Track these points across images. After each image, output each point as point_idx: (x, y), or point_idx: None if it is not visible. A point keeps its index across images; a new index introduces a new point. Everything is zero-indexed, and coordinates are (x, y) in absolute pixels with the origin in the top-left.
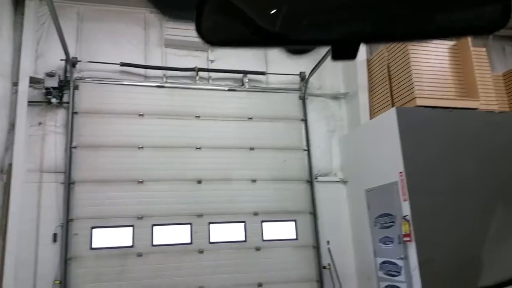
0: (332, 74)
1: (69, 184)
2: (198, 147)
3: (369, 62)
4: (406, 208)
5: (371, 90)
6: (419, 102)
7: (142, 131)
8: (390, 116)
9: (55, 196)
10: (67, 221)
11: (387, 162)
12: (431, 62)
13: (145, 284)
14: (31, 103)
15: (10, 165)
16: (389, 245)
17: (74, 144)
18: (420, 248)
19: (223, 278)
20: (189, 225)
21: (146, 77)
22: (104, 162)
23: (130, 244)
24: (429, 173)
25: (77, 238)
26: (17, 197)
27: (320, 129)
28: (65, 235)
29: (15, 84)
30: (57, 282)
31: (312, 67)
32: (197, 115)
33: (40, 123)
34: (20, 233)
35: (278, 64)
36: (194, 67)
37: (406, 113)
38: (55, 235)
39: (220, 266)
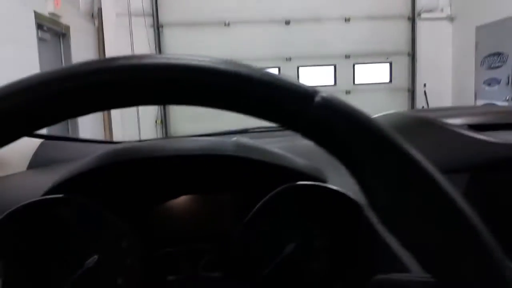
0: None
1: (158, 28)
2: None
3: None
4: None
5: None
6: None
7: None
8: None
9: (146, 38)
10: None
11: None
12: None
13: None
14: None
15: (99, 9)
16: (494, 87)
17: None
18: None
19: None
20: (277, 69)
21: None
22: (188, 3)
23: None
24: None
25: None
26: (111, 40)
27: None
28: None
29: None
30: (159, 121)
31: None
32: None
33: None
34: None
35: None
36: None
37: None
38: None
39: None
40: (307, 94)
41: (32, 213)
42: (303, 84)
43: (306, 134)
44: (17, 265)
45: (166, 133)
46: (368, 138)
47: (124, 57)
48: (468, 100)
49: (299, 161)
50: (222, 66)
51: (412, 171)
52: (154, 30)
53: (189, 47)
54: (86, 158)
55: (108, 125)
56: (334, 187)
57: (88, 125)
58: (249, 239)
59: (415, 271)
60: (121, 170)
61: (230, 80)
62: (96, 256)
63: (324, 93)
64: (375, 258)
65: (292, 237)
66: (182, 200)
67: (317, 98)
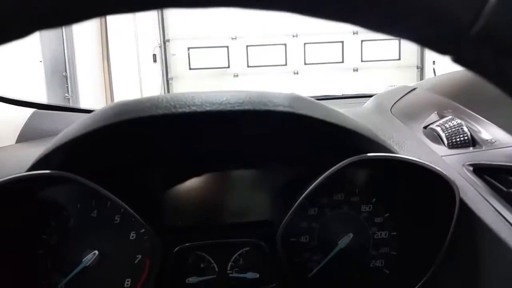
0: None
1: None
2: None
3: None
4: None
5: None
6: None
7: None
8: None
9: (149, 16)
10: (164, 42)
11: None
12: None
13: None
14: None
15: None
16: None
17: None
18: None
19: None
20: (283, 46)
21: None
22: None
23: (226, 65)
24: None
25: (175, 58)
26: (113, 18)
27: None
28: (164, 55)
29: None
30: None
31: None
32: None
33: None
34: (121, 54)
35: None
36: None
37: None
38: (154, 55)
39: (316, 87)
40: None
41: (15, 193)
42: None
43: (467, 55)
44: (2, 260)
45: None
46: None
47: None
48: None
49: (366, 126)
50: None
51: None
52: None
53: (193, 24)
54: (78, 121)
55: (109, 89)
56: (426, 163)
57: (89, 89)
58: (299, 229)
59: None
60: (125, 134)
61: None
62: (96, 252)
63: None
64: (476, 243)
65: (353, 226)
66: (208, 177)
67: None
